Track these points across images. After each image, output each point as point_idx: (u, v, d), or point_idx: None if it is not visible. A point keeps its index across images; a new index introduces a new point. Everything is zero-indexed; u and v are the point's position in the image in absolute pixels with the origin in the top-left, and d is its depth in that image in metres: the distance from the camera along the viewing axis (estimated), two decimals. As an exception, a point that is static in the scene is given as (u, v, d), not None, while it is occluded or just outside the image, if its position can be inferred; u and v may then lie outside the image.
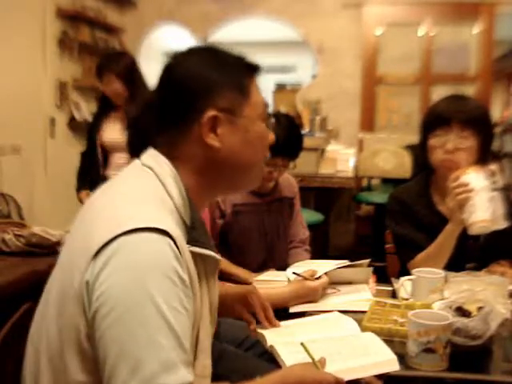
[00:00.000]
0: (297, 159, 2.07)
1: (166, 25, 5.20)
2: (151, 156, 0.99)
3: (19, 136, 3.49)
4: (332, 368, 1.08)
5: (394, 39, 4.95)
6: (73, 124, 4.22)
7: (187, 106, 0.97)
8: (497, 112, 7.36)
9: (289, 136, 1.97)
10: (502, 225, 1.55)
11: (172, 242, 0.84)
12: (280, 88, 5.41)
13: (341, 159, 4.05)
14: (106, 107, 3.07)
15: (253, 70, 1.03)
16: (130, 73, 2.94)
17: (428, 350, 1.10)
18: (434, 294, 1.43)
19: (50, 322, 0.89)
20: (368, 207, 4.77)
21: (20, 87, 3.60)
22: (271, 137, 1.08)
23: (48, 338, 0.89)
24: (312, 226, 2.79)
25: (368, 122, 5.02)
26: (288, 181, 2.20)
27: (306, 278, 1.60)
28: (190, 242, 0.92)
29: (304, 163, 3.73)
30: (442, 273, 1.50)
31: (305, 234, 2.21)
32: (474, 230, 1.57)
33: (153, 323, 0.79)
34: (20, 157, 3.45)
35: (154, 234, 0.83)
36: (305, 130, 4.32)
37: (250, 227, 2.04)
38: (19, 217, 2.96)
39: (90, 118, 4.41)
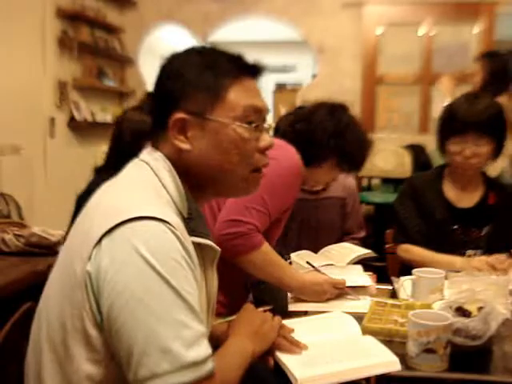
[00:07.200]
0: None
1: (165, 25, 5.20)
2: (148, 152, 1.01)
3: (19, 136, 3.48)
4: (334, 368, 1.08)
5: (394, 39, 4.95)
6: (73, 124, 4.22)
7: (161, 107, 0.98)
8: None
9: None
10: None
11: (174, 229, 0.85)
12: (280, 88, 5.44)
13: (341, 159, 4.04)
14: None
15: (242, 70, 0.99)
16: None
17: (428, 351, 1.10)
18: (434, 294, 1.43)
19: (51, 315, 0.89)
20: (368, 207, 4.76)
21: (20, 87, 3.60)
22: (264, 142, 1.00)
23: (49, 329, 0.89)
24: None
25: (368, 122, 5.01)
26: (345, 181, 2.20)
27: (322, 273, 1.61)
28: (189, 232, 0.92)
29: (304, 163, 3.73)
30: (442, 273, 1.50)
31: (359, 234, 2.22)
32: None
33: (172, 303, 0.81)
34: (20, 157, 3.45)
35: (154, 221, 0.84)
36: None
37: (293, 219, 2.05)
38: (19, 217, 2.97)
39: (90, 118, 4.43)
